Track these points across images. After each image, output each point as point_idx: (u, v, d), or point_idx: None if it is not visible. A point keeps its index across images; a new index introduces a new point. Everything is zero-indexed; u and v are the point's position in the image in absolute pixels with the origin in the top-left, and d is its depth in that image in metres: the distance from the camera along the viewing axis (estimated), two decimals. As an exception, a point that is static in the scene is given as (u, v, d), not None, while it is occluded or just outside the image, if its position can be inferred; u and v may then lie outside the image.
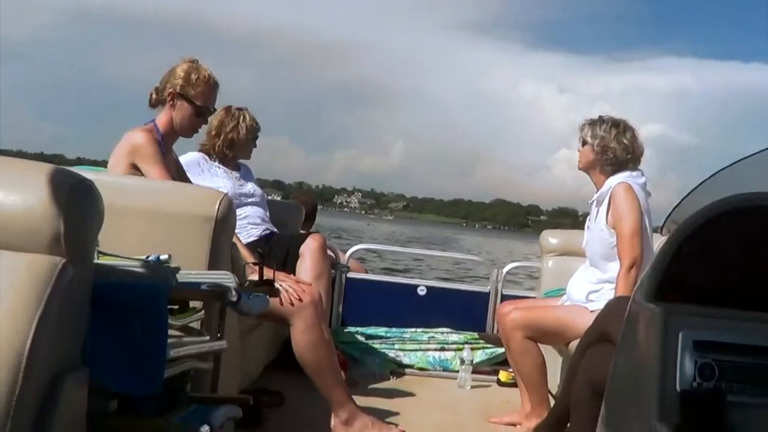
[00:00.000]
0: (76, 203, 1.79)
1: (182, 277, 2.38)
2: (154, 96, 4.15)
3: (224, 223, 3.08)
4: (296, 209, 6.15)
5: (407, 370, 5.72)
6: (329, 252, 5.36)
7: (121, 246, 2.38)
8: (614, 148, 4.49)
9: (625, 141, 4.50)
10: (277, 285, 3.25)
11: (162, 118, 4.10)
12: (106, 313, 1.92)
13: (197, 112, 4.12)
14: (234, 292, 2.45)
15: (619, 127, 4.54)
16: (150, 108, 4.17)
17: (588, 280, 4.52)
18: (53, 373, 1.74)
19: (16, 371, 1.62)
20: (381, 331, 5.97)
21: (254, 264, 3.13)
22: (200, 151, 5.18)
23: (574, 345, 4.04)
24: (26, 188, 1.78)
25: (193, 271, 2.63)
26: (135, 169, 3.81)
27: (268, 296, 2.70)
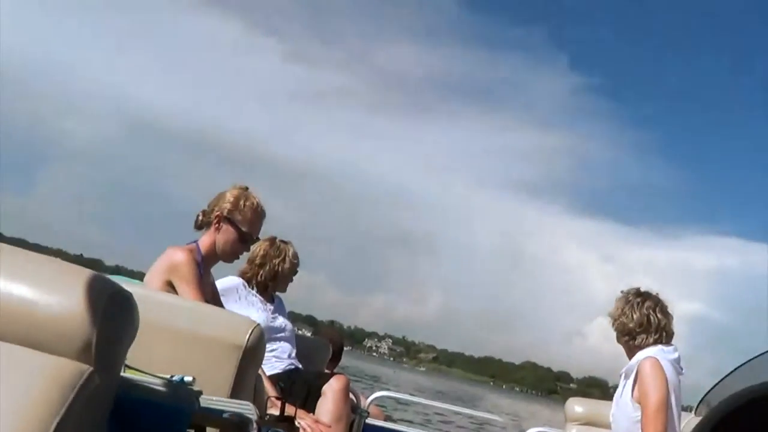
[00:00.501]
0: (113, 313, 1.78)
1: (204, 402, 2.34)
2: (200, 218, 4.22)
3: (253, 353, 3.06)
4: (324, 347, 6.11)
5: None
6: (351, 395, 5.31)
7: (146, 361, 2.34)
8: (627, 319, 4.48)
9: (637, 313, 4.48)
10: (297, 423, 3.22)
11: (205, 239, 4.14)
12: (128, 428, 1.89)
13: (241, 238, 4.17)
14: (255, 425, 2.41)
15: (639, 298, 4.53)
16: (195, 230, 4.23)
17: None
18: (66, 481, 1.69)
19: (26, 475, 1.57)
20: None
21: (276, 398, 3.10)
22: (241, 277, 5.21)
23: None
24: (66, 291, 1.75)
25: (215, 397, 2.61)
26: (170, 287, 3.83)
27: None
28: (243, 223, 4.17)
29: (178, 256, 3.94)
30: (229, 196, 4.19)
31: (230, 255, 4.23)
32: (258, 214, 4.25)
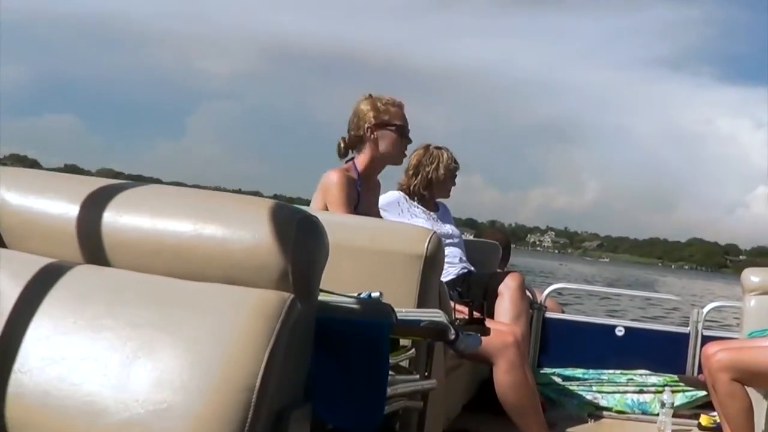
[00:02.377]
0: (304, 238, 1.81)
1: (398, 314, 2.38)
2: (342, 144, 4.25)
3: (433, 261, 3.09)
4: (494, 248, 6.11)
5: (605, 413, 5.57)
6: (527, 291, 5.33)
7: (333, 283, 2.39)
8: None
9: None
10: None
11: (362, 157, 4.17)
12: (329, 349, 1.92)
13: (400, 133, 4.19)
14: (452, 331, 2.45)
15: None
16: (341, 159, 4.27)
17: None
18: (279, 408, 1.74)
19: (246, 407, 1.64)
20: (578, 372, 5.85)
21: (463, 303, 3.15)
22: (399, 190, 5.20)
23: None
24: (254, 224, 1.80)
25: (403, 309, 2.66)
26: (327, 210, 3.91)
27: (480, 335, 2.70)
28: (393, 119, 4.20)
29: (329, 178, 4.01)
30: (364, 108, 4.19)
31: (398, 154, 4.25)
32: (399, 105, 4.26)
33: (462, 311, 3.15)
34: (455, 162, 5.29)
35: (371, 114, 4.17)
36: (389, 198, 5.01)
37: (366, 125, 4.15)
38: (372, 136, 4.16)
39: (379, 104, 4.20)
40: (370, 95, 4.27)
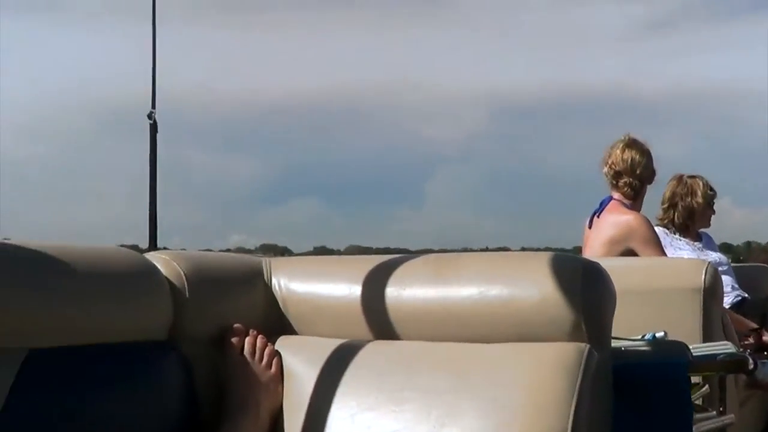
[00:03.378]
0: (591, 286, 1.80)
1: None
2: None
3: (713, 291, 3.02)
4: (763, 271, 5.90)
5: None
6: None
7: (614, 328, 2.38)
8: None
9: None
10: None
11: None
12: (629, 396, 1.89)
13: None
14: (751, 360, 2.37)
15: None
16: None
17: None
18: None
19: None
20: None
21: (754, 330, 3.04)
22: (658, 225, 5.09)
23: None
24: (538, 279, 1.81)
25: (691, 345, 2.59)
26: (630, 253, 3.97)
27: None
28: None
29: (637, 222, 4.17)
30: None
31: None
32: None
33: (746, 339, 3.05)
34: (711, 189, 5.15)
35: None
36: None
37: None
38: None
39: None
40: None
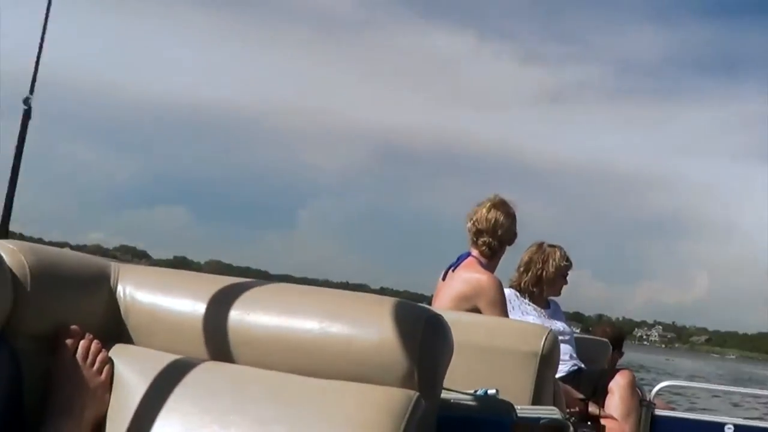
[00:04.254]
0: (431, 337, 1.83)
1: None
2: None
3: (549, 358, 3.09)
4: (603, 345, 6.08)
5: None
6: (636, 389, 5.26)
7: (449, 380, 2.40)
8: None
9: None
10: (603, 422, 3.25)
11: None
12: None
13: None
14: (571, 428, 2.44)
15: None
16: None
17: None
18: None
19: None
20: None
21: (581, 400, 3.13)
22: (511, 287, 5.19)
23: None
24: (380, 322, 1.82)
25: (519, 406, 2.66)
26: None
27: (596, 432, 2.68)
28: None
29: (488, 283, 4.23)
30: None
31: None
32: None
33: (575, 408, 3.14)
34: (567, 260, 5.27)
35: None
36: None
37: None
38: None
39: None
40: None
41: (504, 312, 4.06)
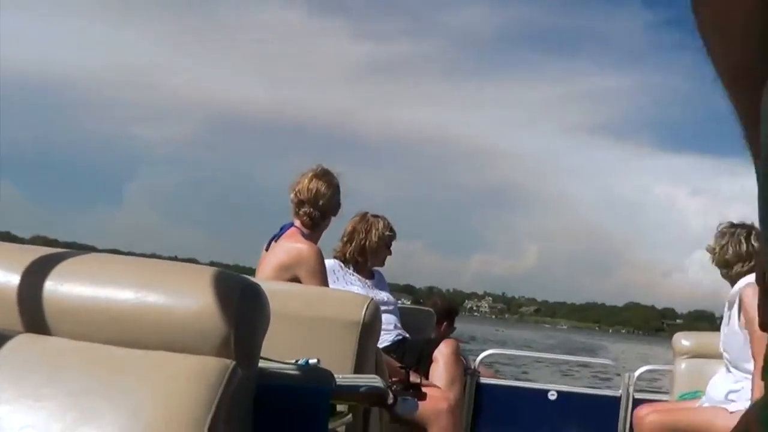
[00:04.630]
0: (246, 306, 1.84)
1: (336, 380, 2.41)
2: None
3: (370, 327, 3.12)
4: (428, 315, 6.18)
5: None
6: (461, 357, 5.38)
7: (272, 350, 2.40)
8: (723, 251, 4.51)
9: (733, 245, 4.50)
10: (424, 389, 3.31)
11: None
12: (270, 417, 1.94)
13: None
14: (391, 395, 2.48)
15: (733, 229, 4.56)
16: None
17: (727, 380, 4.47)
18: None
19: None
20: (512, 437, 5.92)
21: (401, 368, 3.20)
22: (335, 257, 5.24)
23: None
24: (197, 292, 1.83)
25: (340, 375, 2.70)
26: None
27: (417, 400, 2.73)
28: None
29: (309, 251, 4.21)
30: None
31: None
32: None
33: (398, 377, 3.21)
34: (391, 230, 5.32)
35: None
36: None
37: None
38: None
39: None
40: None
41: (324, 281, 4.09)
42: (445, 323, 6.77)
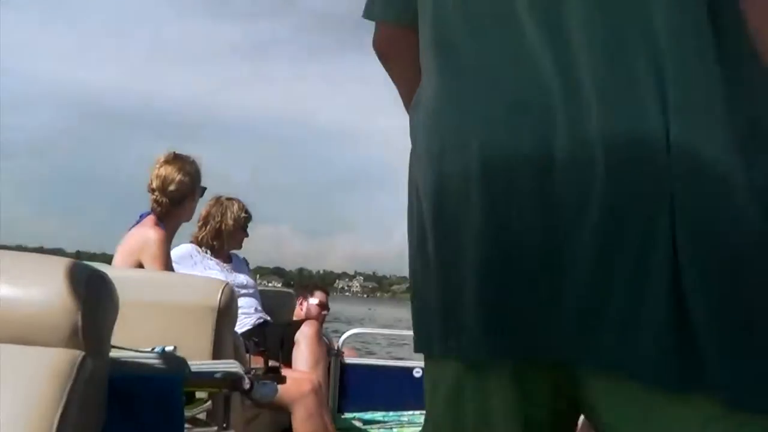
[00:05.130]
0: (94, 295, 1.81)
1: (191, 367, 2.40)
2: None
3: (227, 312, 3.12)
4: (288, 297, 6.20)
5: (407, 454, 5.72)
6: (324, 338, 5.41)
7: (128, 340, 2.36)
8: None
9: None
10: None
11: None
12: (123, 407, 1.91)
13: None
14: (247, 380, 2.49)
15: None
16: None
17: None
18: (73, 469, 1.71)
19: (39, 467, 1.60)
20: (378, 415, 5.94)
21: (259, 352, 3.20)
22: (191, 242, 5.20)
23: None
24: (45, 282, 1.78)
25: (198, 361, 2.69)
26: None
27: (276, 383, 2.74)
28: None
29: (152, 235, 4.14)
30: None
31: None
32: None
33: (260, 361, 3.21)
34: (246, 212, 5.32)
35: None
36: (181, 251, 5.00)
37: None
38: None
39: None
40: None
41: (167, 266, 4.03)
42: (304, 302, 6.74)
